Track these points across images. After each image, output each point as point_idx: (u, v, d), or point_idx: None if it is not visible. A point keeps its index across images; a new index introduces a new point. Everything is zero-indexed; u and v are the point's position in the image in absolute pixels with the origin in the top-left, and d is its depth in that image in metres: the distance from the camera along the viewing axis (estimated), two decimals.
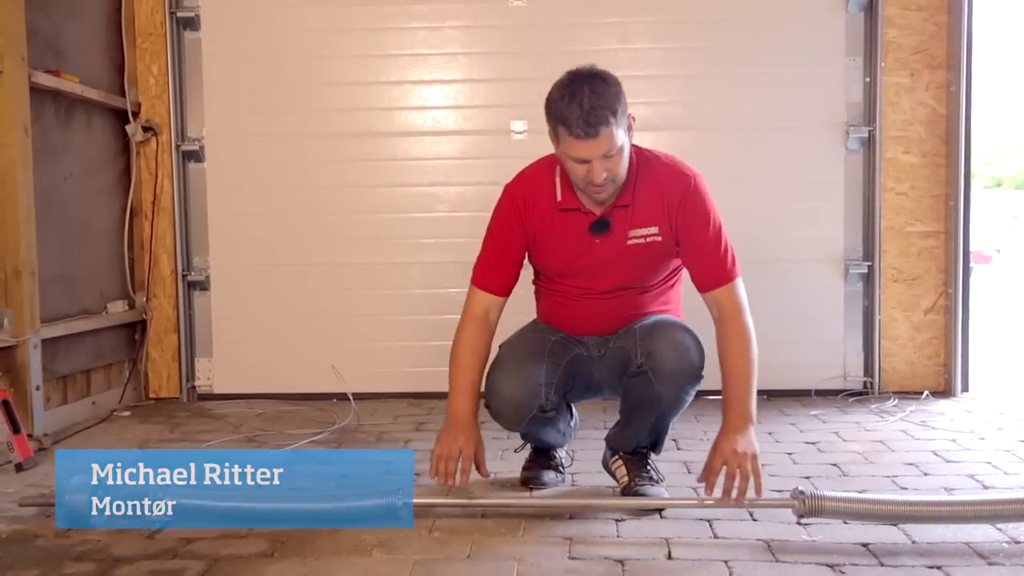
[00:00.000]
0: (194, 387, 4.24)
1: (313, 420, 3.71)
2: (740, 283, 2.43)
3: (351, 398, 3.79)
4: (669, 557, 2.09)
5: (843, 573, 1.98)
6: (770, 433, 3.37)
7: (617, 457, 2.62)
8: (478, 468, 2.43)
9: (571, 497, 2.63)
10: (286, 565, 2.07)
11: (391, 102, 4.19)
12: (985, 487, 2.66)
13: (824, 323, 4.13)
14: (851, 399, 4.00)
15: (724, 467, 2.24)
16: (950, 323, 4.05)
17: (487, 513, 2.40)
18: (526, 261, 2.60)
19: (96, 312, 3.92)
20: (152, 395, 4.24)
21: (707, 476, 2.28)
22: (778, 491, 2.58)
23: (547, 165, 2.55)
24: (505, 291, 2.54)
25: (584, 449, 3.08)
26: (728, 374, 2.37)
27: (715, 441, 2.31)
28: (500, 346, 2.61)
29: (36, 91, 3.41)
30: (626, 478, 2.56)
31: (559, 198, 2.49)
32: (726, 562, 2.05)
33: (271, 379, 4.19)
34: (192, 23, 4.16)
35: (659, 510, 2.40)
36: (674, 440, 3.26)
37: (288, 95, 4.17)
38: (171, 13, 4.12)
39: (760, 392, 3.91)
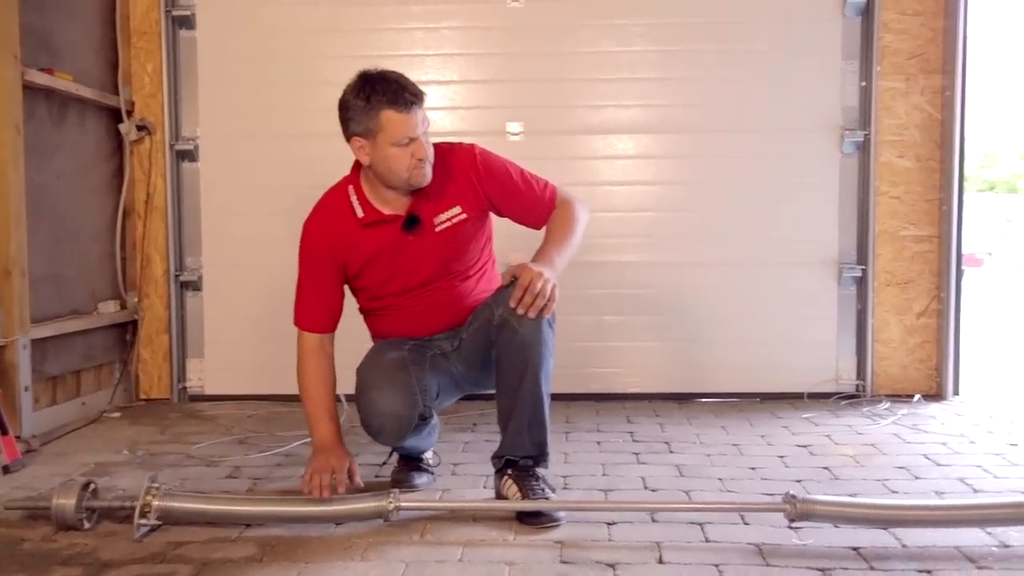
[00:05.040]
0: (185, 388, 4.23)
1: (305, 422, 3.67)
2: (560, 190, 2.62)
3: (343, 400, 3.77)
4: (660, 561, 2.09)
5: None
6: (762, 436, 3.37)
7: (506, 477, 2.47)
8: (351, 479, 2.46)
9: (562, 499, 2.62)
10: (276, 569, 2.06)
11: None
12: (975, 491, 2.66)
13: (817, 326, 4.13)
14: (843, 402, 4.00)
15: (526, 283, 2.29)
16: (942, 327, 4.06)
17: (478, 516, 2.40)
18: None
19: (87, 312, 3.90)
20: (143, 396, 4.23)
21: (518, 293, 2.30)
22: (769, 495, 2.59)
23: (339, 191, 2.65)
24: (330, 327, 2.61)
25: (576, 452, 3.09)
26: (550, 229, 2.53)
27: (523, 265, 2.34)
28: (358, 370, 2.58)
29: (29, 89, 3.40)
30: (519, 495, 2.42)
31: (360, 215, 2.56)
32: (717, 566, 2.05)
33: (263, 380, 4.16)
34: (187, 22, 4.15)
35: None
36: (666, 443, 3.26)
37: (283, 95, 4.15)
38: (167, 12, 4.11)
39: (753, 394, 4.06)
